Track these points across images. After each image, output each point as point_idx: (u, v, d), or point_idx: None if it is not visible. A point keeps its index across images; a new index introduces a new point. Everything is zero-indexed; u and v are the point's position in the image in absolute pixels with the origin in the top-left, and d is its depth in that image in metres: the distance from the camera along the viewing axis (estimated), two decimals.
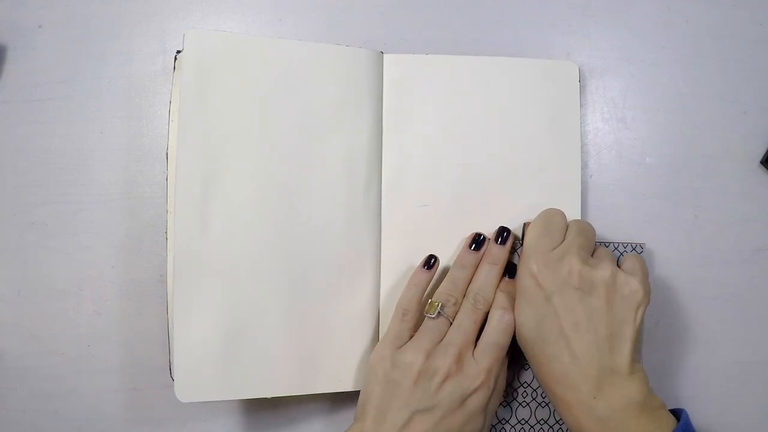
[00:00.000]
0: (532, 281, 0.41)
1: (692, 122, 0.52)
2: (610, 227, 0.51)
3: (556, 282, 0.41)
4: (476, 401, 0.40)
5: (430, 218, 0.48)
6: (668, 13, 0.53)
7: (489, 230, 0.48)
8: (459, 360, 0.41)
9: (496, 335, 0.42)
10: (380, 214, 0.48)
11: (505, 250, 0.45)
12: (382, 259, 0.48)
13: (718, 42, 0.53)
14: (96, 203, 0.50)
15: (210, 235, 0.44)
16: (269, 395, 0.45)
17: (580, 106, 0.51)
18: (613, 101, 0.52)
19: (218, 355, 0.44)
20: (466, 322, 0.42)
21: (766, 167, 0.52)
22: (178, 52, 0.48)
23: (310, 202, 0.46)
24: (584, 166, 0.51)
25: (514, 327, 0.42)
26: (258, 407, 0.49)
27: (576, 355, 0.40)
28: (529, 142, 0.50)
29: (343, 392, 0.46)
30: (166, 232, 0.47)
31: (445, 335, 0.42)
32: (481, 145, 0.49)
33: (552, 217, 0.45)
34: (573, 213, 0.49)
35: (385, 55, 0.49)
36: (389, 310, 0.47)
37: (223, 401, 0.49)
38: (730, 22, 0.53)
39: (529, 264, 0.42)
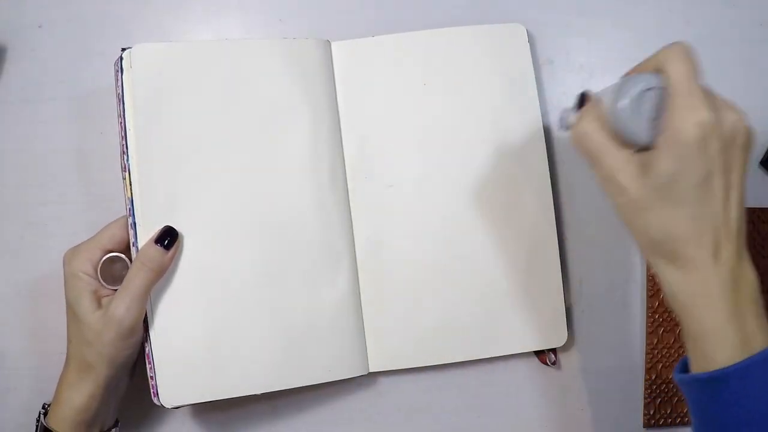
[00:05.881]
0: (699, 131, 0.34)
1: None
2: (609, 228, 0.51)
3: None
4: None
5: (398, 197, 0.49)
6: (668, 14, 0.53)
7: (457, 202, 0.49)
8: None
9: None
10: (348, 200, 0.48)
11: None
12: (356, 243, 0.48)
13: (718, 42, 0.53)
14: (95, 203, 0.50)
15: (181, 243, 0.44)
16: (258, 392, 0.44)
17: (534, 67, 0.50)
18: None
19: (201, 357, 0.44)
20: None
21: (766, 167, 0.52)
22: (123, 49, 0.44)
23: (277, 197, 0.46)
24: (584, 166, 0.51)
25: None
26: (245, 399, 0.49)
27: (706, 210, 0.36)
28: (489, 110, 0.49)
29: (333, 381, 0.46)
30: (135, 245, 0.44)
31: None
32: (440, 119, 0.49)
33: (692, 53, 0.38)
34: (541, 180, 0.49)
35: (333, 43, 0.49)
36: (370, 292, 0.48)
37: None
38: (730, 23, 0.53)
39: (698, 112, 0.35)
